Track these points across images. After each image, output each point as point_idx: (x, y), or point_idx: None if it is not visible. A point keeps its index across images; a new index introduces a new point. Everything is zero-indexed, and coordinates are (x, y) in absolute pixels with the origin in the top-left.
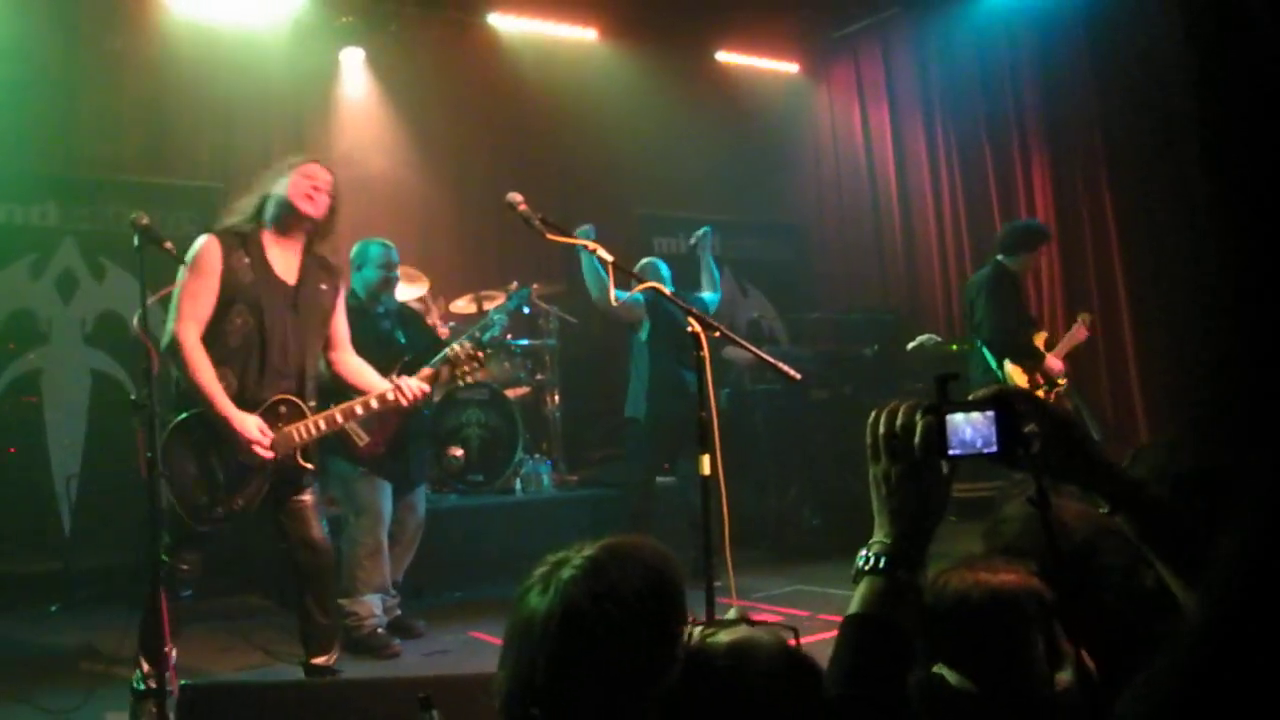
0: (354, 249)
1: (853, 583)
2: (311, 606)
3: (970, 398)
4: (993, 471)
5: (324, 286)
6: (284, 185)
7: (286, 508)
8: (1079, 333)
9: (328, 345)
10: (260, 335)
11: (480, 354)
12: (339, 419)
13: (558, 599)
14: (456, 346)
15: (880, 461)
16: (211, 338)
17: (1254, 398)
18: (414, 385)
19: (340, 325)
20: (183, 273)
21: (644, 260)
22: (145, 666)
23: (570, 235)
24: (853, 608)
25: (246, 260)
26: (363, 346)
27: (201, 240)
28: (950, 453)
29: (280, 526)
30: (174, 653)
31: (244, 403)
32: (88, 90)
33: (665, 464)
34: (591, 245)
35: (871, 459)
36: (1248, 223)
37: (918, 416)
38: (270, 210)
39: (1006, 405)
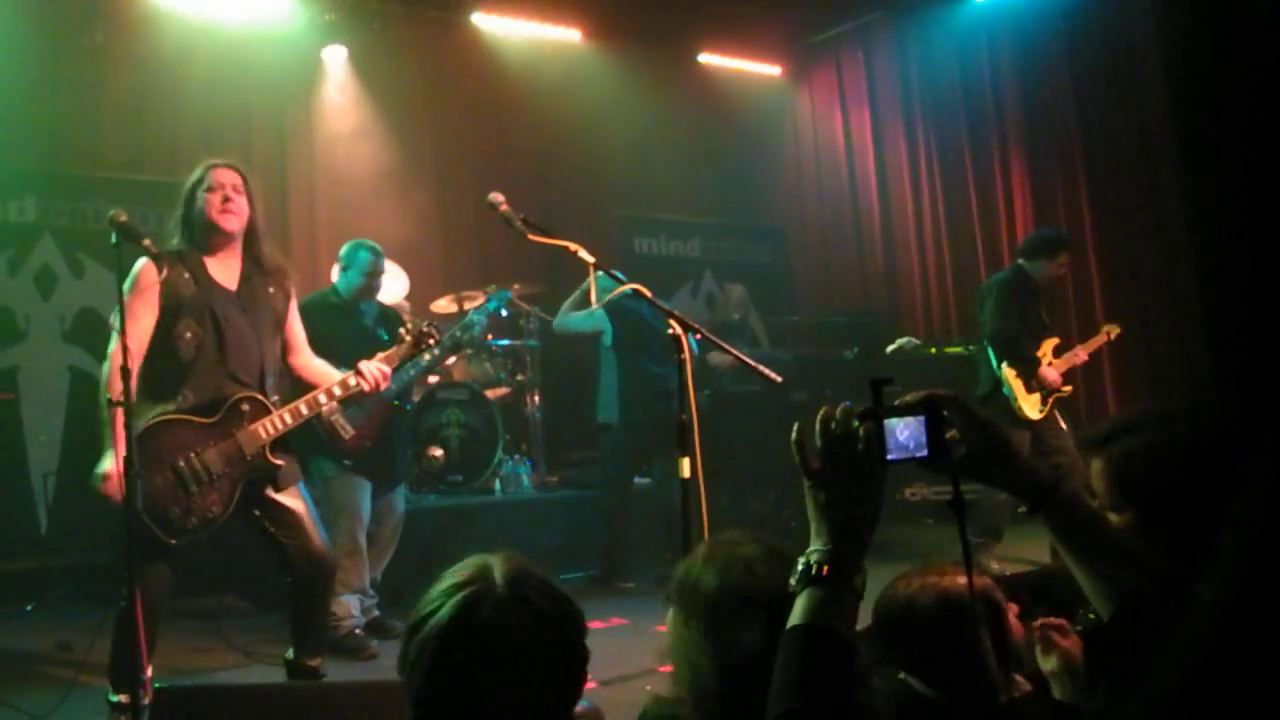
0: (344, 249)
1: (793, 593)
2: (310, 611)
3: (897, 403)
4: None
5: (271, 289)
6: (200, 204)
7: (277, 517)
8: (1080, 354)
9: (286, 350)
10: (215, 339)
11: (433, 329)
12: (304, 410)
13: (525, 613)
14: (407, 327)
15: (818, 470)
16: (165, 357)
17: (1247, 395)
18: (373, 368)
19: (296, 329)
20: (125, 296)
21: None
22: (120, 696)
23: (552, 236)
24: (796, 619)
25: (186, 275)
26: (346, 342)
27: (140, 263)
28: (888, 457)
29: (271, 536)
30: (150, 670)
31: (205, 410)
32: (68, 85)
33: (643, 465)
34: (573, 247)
35: (804, 467)
36: (1225, 225)
37: (854, 423)
38: (196, 231)
39: (935, 410)
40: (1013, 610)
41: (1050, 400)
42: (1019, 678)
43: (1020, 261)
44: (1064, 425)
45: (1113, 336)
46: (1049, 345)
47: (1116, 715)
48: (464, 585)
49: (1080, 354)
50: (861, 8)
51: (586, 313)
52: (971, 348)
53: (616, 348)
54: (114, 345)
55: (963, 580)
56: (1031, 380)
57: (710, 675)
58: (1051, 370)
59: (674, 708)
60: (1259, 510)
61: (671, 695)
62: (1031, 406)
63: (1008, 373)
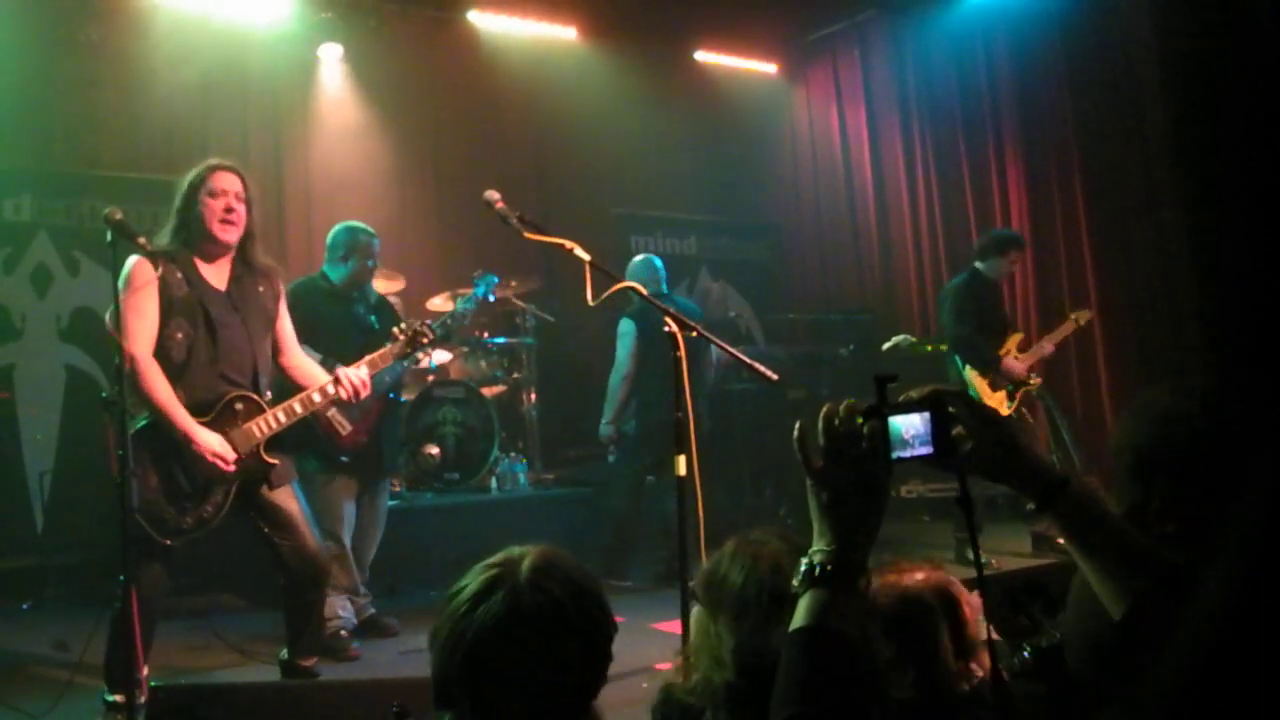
0: (337, 234)
1: (796, 595)
2: (304, 611)
3: (902, 399)
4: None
5: (261, 289)
6: (199, 208)
7: (271, 517)
8: (1046, 346)
9: (276, 350)
10: (208, 339)
11: (427, 328)
12: (298, 409)
13: (542, 597)
14: (401, 326)
15: (821, 469)
16: (158, 357)
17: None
18: (352, 376)
19: (286, 328)
20: (121, 295)
21: (638, 257)
22: (116, 695)
23: (548, 234)
24: (799, 621)
25: (179, 274)
26: (334, 328)
27: (131, 260)
28: (893, 455)
29: (265, 535)
30: (146, 669)
31: (198, 409)
32: (63, 83)
33: (655, 469)
34: (569, 245)
35: (807, 466)
36: (1221, 224)
37: (858, 420)
38: (192, 235)
39: (940, 407)
40: (971, 601)
41: (1018, 396)
42: (973, 666)
43: (975, 264)
44: (1030, 421)
45: (1082, 323)
46: (1013, 341)
47: (1125, 715)
48: (491, 567)
49: (1047, 346)
50: (857, 6)
51: (621, 350)
52: None
53: (641, 353)
54: (126, 348)
55: (919, 576)
56: (997, 379)
57: (731, 671)
58: (1016, 362)
59: (692, 696)
60: (1259, 510)
61: (688, 688)
62: (998, 405)
63: (971, 375)
